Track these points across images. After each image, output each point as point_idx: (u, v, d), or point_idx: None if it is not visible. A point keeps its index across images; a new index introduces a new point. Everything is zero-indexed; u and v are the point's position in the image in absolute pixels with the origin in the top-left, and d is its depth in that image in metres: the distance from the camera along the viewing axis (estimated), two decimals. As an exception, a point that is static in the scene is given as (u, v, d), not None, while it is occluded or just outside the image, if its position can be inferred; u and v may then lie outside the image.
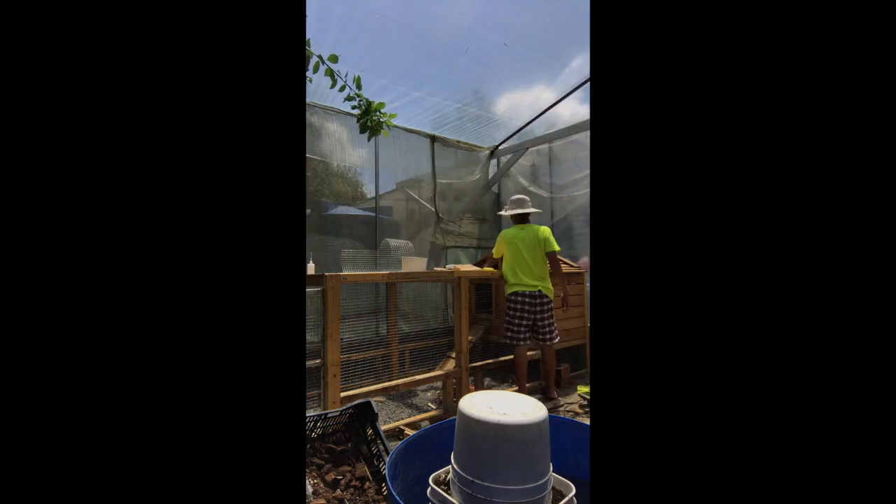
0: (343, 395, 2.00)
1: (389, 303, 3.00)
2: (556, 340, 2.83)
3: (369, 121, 1.87)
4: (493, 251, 3.04)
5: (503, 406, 0.88)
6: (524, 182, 4.26)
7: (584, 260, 3.68)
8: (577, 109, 3.73)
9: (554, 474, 0.91)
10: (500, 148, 4.47)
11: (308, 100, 3.17)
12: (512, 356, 2.87)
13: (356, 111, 1.92)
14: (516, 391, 2.67)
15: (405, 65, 3.01)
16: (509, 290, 2.82)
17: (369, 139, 1.98)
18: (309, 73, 1.65)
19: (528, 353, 2.86)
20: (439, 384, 2.89)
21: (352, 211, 3.62)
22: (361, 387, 2.24)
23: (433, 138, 4.09)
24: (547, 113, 3.79)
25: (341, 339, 2.06)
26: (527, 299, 2.75)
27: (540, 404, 0.90)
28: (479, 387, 2.81)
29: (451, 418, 1.00)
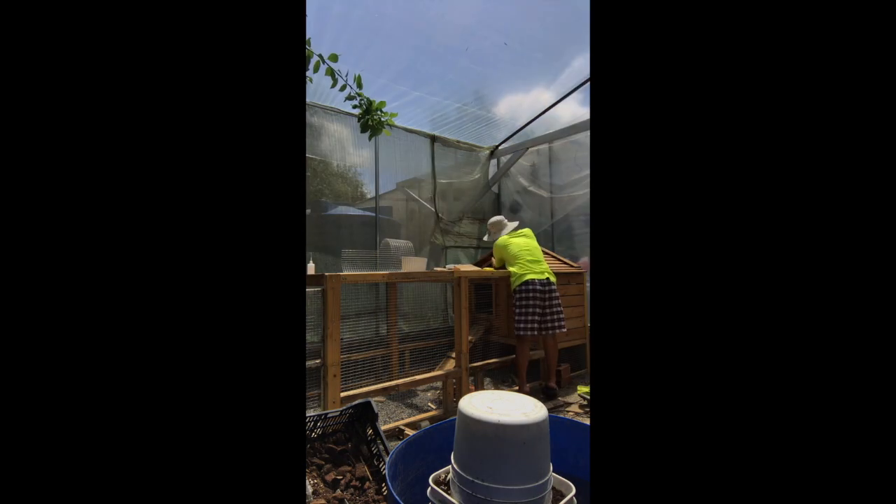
0: (343, 395, 2.00)
1: (389, 303, 3.00)
2: (565, 330, 2.83)
3: (370, 120, 1.87)
4: (494, 262, 3.06)
5: (503, 406, 0.88)
6: (524, 182, 4.26)
7: (584, 260, 3.68)
8: (577, 109, 3.73)
9: (554, 474, 0.91)
10: (500, 148, 4.47)
11: (308, 100, 3.17)
12: (513, 356, 2.87)
13: (357, 111, 1.92)
14: (517, 391, 2.67)
15: (405, 64, 3.01)
16: (519, 282, 2.79)
17: (370, 138, 1.98)
18: (309, 73, 1.65)
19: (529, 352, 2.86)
20: (439, 384, 2.89)
21: (352, 211, 3.62)
22: (361, 387, 2.24)
23: (433, 138, 4.09)
24: (547, 113, 3.79)
25: (341, 339, 2.06)
26: (537, 286, 2.74)
27: (540, 404, 0.90)
28: (479, 387, 2.81)
29: (451, 418, 1.00)
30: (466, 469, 0.85)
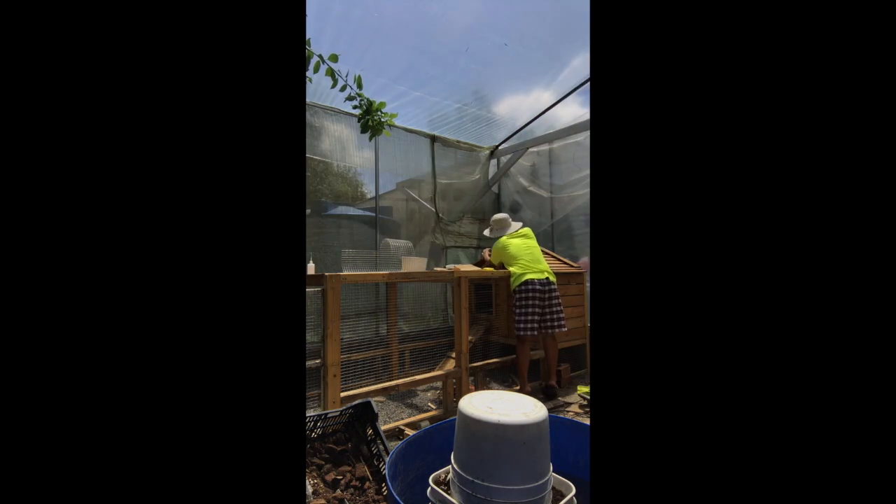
0: (343, 395, 2.00)
1: (389, 303, 3.00)
2: (565, 329, 2.82)
3: (370, 120, 1.87)
4: (494, 262, 3.05)
5: (503, 406, 0.88)
6: (524, 182, 4.26)
7: (584, 260, 3.68)
8: (578, 109, 3.73)
9: (554, 474, 0.91)
10: (500, 148, 4.47)
11: (308, 100, 3.17)
12: (513, 356, 2.87)
13: (357, 111, 1.92)
14: (517, 391, 2.67)
15: (405, 64, 3.01)
16: (518, 282, 2.79)
17: (370, 139, 1.98)
18: (309, 73, 1.65)
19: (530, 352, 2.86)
20: (439, 384, 2.89)
21: (352, 211, 3.62)
22: (361, 387, 2.24)
23: (433, 138, 4.09)
24: (547, 113, 3.79)
25: (341, 339, 2.06)
26: (537, 286, 2.73)
27: (540, 404, 0.90)
28: (479, 387, 2.81)
29: (451, 418, 1.00)
30: (466, 469, 0.85)
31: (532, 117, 3.90)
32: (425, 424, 2.27)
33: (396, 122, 2.12)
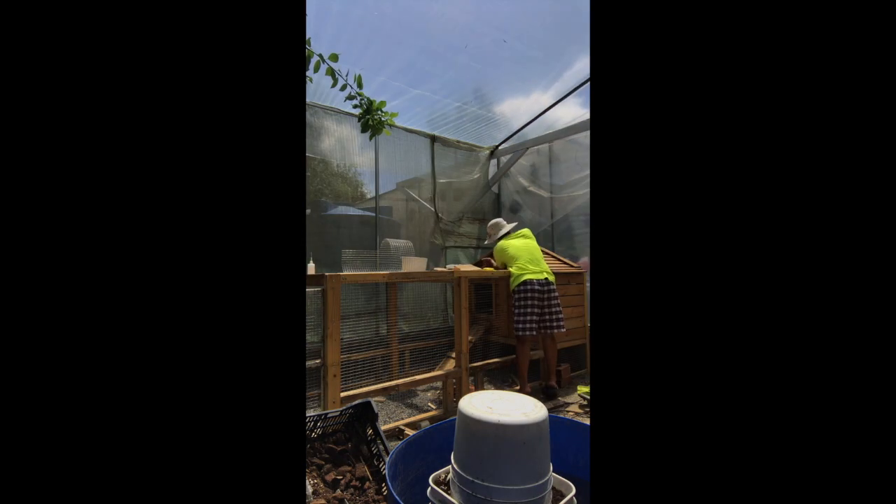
0: (343, 395, 2.00)
1: (389, 303, 3.00)
2: (564, 329, 2.82)
3: (371, 120, 1.87)
4: (498, 264, 3.06)
5: (503, 406, 0.88)
6: (524, 182, 4.26)
7: (584, 260, 3.68)
8: (577, 110, 3.73)
9: (554, 474, 0.91)
10: (500, 148, 4.47)
11: (308, 100, 3.17)
12: (513, 356, 2.87)
13: (357, 110, 1.92)
14: (517, 391, 2.67)
15: (404, 63, 3.01)
16: (518, 282, 2.79)
17: (371, 138, 1.98)
18: (309, 73, 1.65)
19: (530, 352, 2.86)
20: (439, 384, 2.89)
21: (352, 211, 3.62)
22: (361, 387, 2.24)
23: (433, 138, 4.09)
24: (547, 112, 3.79)
25: (341, 339, 2.06)
26: (536, 287, 2.74)
27: (540, 404, 0.90)
28: (479, 387, 2.81)
29: (451, 418, 1.00)
30: (466, 469, 0.85)
31: (532, 117, 3.90)
32: (425, 424, 2.27)
33: (396, 121, 2.12)
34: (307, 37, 1.56)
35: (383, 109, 1.90)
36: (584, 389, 2.98)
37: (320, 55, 1.69)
